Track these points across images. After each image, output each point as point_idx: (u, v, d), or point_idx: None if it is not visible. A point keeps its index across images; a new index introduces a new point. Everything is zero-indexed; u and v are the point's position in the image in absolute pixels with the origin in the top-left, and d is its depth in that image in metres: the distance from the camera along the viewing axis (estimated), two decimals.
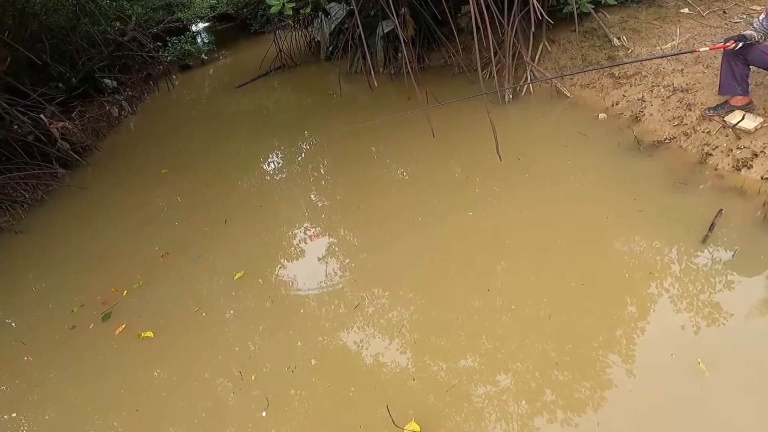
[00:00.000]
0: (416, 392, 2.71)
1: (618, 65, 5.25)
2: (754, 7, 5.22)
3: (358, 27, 6.27)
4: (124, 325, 3.72)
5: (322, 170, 5.87)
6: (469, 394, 2.63)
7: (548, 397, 2.53)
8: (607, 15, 5.91)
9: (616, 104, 5.06)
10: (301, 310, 3.55)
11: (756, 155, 3.65)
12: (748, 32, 3.62)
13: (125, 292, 4.11)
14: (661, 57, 4.90)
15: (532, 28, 5.71)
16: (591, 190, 4.01)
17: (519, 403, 2.54)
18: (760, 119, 3.76)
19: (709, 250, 3.10)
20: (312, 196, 5.25)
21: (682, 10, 5.59)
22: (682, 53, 4.72)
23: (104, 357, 3.52)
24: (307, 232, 4.56)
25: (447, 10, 5.95)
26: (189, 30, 14.60)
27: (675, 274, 3.04)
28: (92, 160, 7.62)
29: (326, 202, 5.07)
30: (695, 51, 3.89)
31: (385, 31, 7.74)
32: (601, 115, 4.96)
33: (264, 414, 2.80)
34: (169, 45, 12.46)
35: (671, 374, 2.46)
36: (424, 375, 2.79)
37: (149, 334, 3.57)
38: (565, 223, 3.65)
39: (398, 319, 3.22)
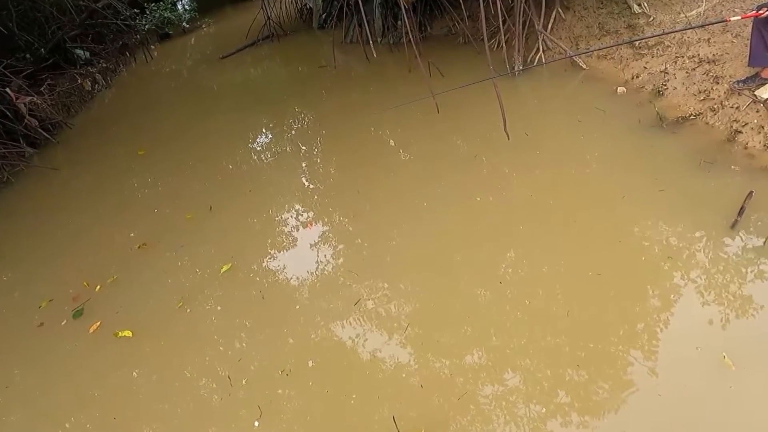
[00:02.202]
0: (425, 399, 2.57)
1: (640, 40, 5.02)
2: None
3: None
4: (98, 323, 3.55)
5: (315, 150, 5.68)
6: (484, 402, 2.50)
7: (564, 398, 2.42)
8: None
9: (637, 77, 4.87)
10: (296, 306, 3.40)
11: None
12: None
13: (98, 286, 3.93)
14: (688, 29, 4.68)
15: None
16: (608, 171, 3.87)
17: (538, 413, 2.41)
18: None
19: (739, 236, 2.98)
20: (305, 179, 5.06)
21: None
22: (711, 23, 4.49)
23: (77, 358, 3.36)
24: (300, 218, 4.38)
25: None
26: None
27: (701, 261, 2.93)
28: (63, 138, 7.40)
29: (320, 186, 4.88)
30: (726, 21, 3.65)
31: None
32: (620, 89, 4.80)
33: (257, 424, 2.66)
34: (147, 12, 12.12)
35: (698, 371, 2.37)
36: (433, 380, 2.66)
37: (127, 333, 3.41)
38: (580, 206, 3.53)
39: (403, 316, 3.08)
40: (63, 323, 3.65)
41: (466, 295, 3.10)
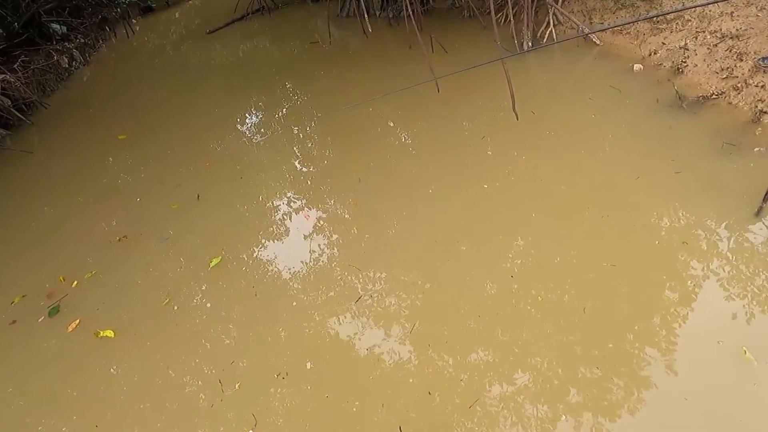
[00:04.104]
0: (433, 407, 2.47)
1: (658, 16, 4.89)
2: None
3: None
4: (77, 321, 3.42)
5: (309, 132, 5.53)
6: (497, 411, 2.40)
7: (583, 402, 2.35)
8: None
9: (655, 53, 4.79)
10: (293, 303, 3.29)
11: None
12: None
13: (75, 282, 3.79)
14: (710, 3, 4.54)
15: None
16: (623, 153, 3.81)
17: (557, 423, 2.32)
18: None
19: (763, 223, 2.93)
20: (299, 164, 4.93)
21: None
22: None
23: (55, 358, 3.23)
24: (294, 206, 4.25)
25: None
26: None
27: (722, 250, 2.89)
28: (38, 119, 7.19)
29: (316, 171, 4.75)
30: None
31: None
32: (637, 66, 4.73)
33: None
34: None
35: (720, 368, 2.32)
36: (442, 385, 2.56)
37: (109, 333, 3.27)
38: (592, 191, 3.49)
39: (407, 314, 2.98)
40: (40, 320, 3.51)
41: (475, 290, 3.03)
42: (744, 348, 2.33)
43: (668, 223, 3.13)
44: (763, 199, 2.97)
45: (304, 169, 4.79)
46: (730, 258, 2.81)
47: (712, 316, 2.58)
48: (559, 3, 5.65)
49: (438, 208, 3.71)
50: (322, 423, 2.53)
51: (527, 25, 5.47)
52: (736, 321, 2.50)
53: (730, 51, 4.19)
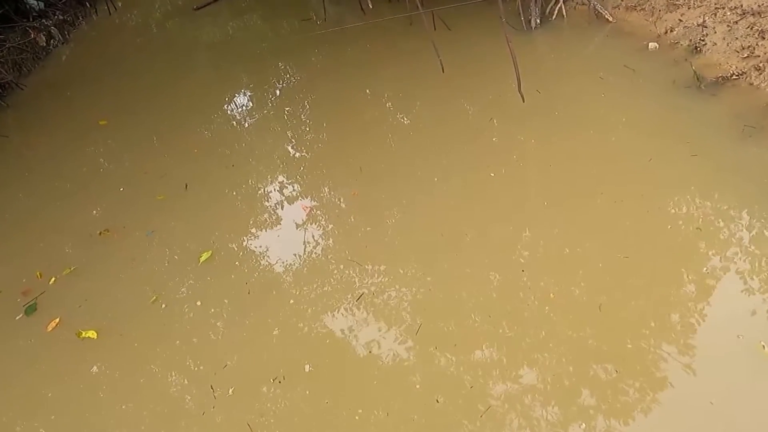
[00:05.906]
0: (443, 416, 2.39)
1: None
2: None
3: None
4: (57, 320, 3.30)
5: (304, 116, 5.41)
6: (511, 421, 2.33)
7: (594, 402, 2.29)
8: None
9: (671, 31, 4.74)
10: (291, 301, 3.18)
11: None
12: None
13: (53, 278, 3.65)
14: None
15: None
16: (638, 137, 3.76)
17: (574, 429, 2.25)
18: None
19: None
20: (293, 150, 4.81)
21: None
22: None
23: (33, 360, 3.10)
24: (289, 197, 4.14)
25: None
26: None
27: (741, 239, 2.86)
28: (13, 101, 6.98)
29: (311, 158, 4.64)
30: None
31: None
32: (652, 45, 4.70)
33: None
34: None
35: (741, 364, 2.30)
36: (451, 391, 2.48)
37: (92, 333, 3.15)
38: (604, 176, 3.46)
39: (413, 314, 2.90)
40: (17, 318, 3.38)
41: (483, 286, 2.97)
42: (762, 343, 2.30)
43: (684, 210, 3.10)
44: None
45: (298, 155, 4.68)
46: (749, 247, 2.78)
47: (732, 310, 2.55)
48: None
49: (442, 198, 3.65)
50: (321, 430, 2.45)
51: (535, 1, 5.39)
52: (757, 314, 2.47)
53: (752, 29, 4.13)
